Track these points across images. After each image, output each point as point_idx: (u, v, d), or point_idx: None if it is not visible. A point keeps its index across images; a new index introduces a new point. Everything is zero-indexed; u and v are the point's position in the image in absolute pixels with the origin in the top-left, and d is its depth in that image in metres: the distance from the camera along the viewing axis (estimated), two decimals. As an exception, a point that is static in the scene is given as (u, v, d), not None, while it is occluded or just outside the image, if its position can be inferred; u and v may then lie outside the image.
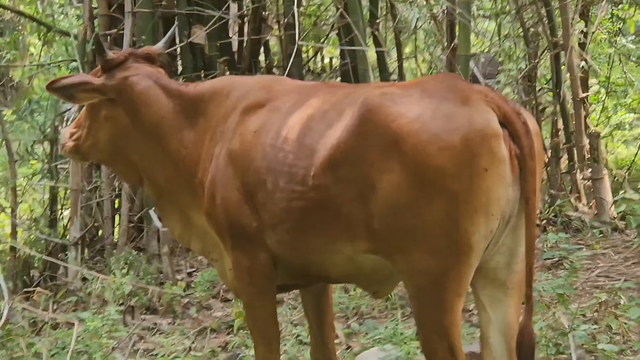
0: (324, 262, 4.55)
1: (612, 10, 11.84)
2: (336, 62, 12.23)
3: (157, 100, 5.07)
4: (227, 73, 9.50)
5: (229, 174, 4.73)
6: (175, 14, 9.66)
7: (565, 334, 6.29)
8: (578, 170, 10.38)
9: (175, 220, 5.23)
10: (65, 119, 9.64)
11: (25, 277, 9.01)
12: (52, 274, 9.01)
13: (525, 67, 10.91)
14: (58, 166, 9.79)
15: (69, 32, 10.33)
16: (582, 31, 10.81)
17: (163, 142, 5.07)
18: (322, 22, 11.71)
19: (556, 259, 8.64)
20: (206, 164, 4.89)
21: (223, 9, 9.36)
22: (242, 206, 4.66)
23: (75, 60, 9.57)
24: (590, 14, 11.18)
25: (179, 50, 9.93)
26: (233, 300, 7.90)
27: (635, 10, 11.90)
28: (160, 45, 5.48)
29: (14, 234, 9.45)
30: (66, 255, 8.83)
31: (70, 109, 9.51)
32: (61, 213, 10.11)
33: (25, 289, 8.70)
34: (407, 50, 12.37)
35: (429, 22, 11.78)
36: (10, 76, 14.04)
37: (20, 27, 13.62)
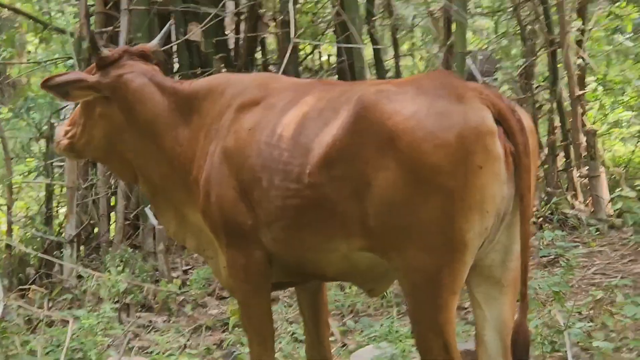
0: (320, 260, 4.54)
1: (610, 7, 11.83)
2: (334, 59, 12.21)
3: (152, 97, 5.06)
4: (224, 70, 9.49)
5: (223, 172, 4.71)
6: (171, 11, 9.65)
7: (561, 331, 6.29)
8: (575, 168, 10.39)
9: (170, 218, 5.22)
10: (61, 116, 9.64)
11: (20, 274, 9.00)
12: (48, 271, 9.01)
13: (522, 65, 10.91)
14: (54, 164, 9.79)
15: (64, 30, 10.33)
16: (579, 29, 10.80)
17: (158, 140, 5.05)
18: (319, 20, 11.69)
19: (552, 257, 8.64)
20: (201, 161, 4.88)
21: (219, 6, 9.36)
22: (237, 204, 4.65)
23: (71, 58, 9.57)
24: (587, 11, 11.16)
25: (175, 47, 9.91)
26: (229, 298, 7.89)
27: (633, 7, 11.89)
28: (154, 42, 5.47)
29: (9, 231, 9.43)
30: (62, 252, 8.81)
31: (66, 106, 9.50)
32: (57, 211, 10.10)
33: (20, 287, 8.69)
34: (405, 47, 12.35)
35: (426, 20, 11.78)
36: (7, 74, 14.02)
37: (17, 25, 13.60)
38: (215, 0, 9.58)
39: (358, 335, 7.16)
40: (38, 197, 10.72)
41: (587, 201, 10.26)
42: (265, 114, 4.68)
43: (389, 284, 4.81)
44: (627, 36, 12.67)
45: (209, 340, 7.38)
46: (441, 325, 4.13)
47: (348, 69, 9.69)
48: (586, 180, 10.36)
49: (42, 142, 10.01)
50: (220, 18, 9.52)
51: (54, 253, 8.99)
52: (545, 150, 10.65)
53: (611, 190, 10.35)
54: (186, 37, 9.35)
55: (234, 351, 6.86)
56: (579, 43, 10.82)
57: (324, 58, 13.16)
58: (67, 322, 6.93)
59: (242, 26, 10.76)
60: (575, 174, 10.38)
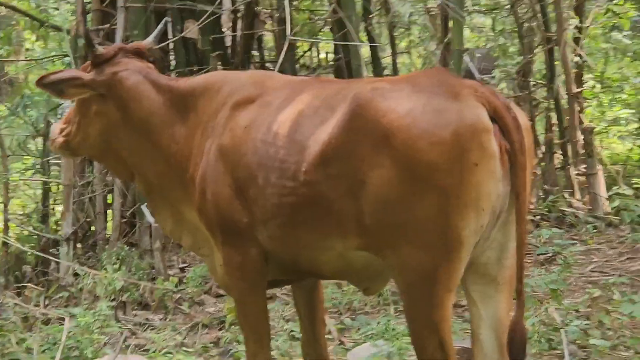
0: (315, 258, 4.53)
1: (608, 5, 11.82)
2: (332, 57, 12.21)
3: (147, 95, 5.04)
4: (220, 68, 9.48)
5: (219, 170, 4.70)
6: (168, 8, 9.64)
7: (558, 329, 6.29)
8: (572, 166, 10.38)
9: (167, 216, 5.21)
10: (59, 114, 9.63)
11: (17, 272, 8.99)
12: (44, 269, 8.99)
13: (520, 63, 10.91)
14: (50, 161, 9.78)
15: (61, 27, 10.31)
16: (576, 26, 10.79)
17: (153, 138, 5.04)
18: (317, 17, 11.68)
19: (550, 255, 8.65)
20: (197, 159, 4.87)
21: (216, 3, 9.34)
22: (233, 202, 4.64)
23: (67, 55, 9.56)
24: (584, 9, 11.16)
25: (171, 45, 9.90)
26: (225, 296, 7.88)
27: (631, 5, 11.88)
28: (149, 40, 5.45)
29: (6, 229, 9.42)
30: (58, 250, 8.80)
31: (62, 104, 9.49)
32: (53, 208, 10.10)
33: (17, 285, 8.68)
34: (403, 44, 12.34)
35: (423, 17, 11.76)
36: (5, 72, 14.02)
37: (14, 23, 13.58)
38: (212, -3, 9.56)
39: (355, 333, 7.16)
40: (35, 194, 10.70)
41: (585, 199, 10.26)
42: (261, 112, 4.67)
43: (385, 283, 4.79)
44: (625, 34, 12.65)
45: (205, 338, 7.37)
46: (437, 323, 4.13)
47: (345, 66, 9.68)
48: (584, 178, 10.36)
49: (39, 139, 9.99)
50: (217, 15, 9.51)
51: (51, 251, 8.97)
52: (543, 148, 10.65)
53: (609, 187, 10.36)
54: (183, 34, 9.34)
55: (231, 349, 6.86)
56: (577, 41, 10.81)
57: (322, 56, 13.17)
58: (64, 320, 6.93)
59: (239, 24, 10.73)
60: (573, 171, 10.38)
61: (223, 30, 10.63)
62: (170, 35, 9.62)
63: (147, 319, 7.90)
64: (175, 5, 9.61)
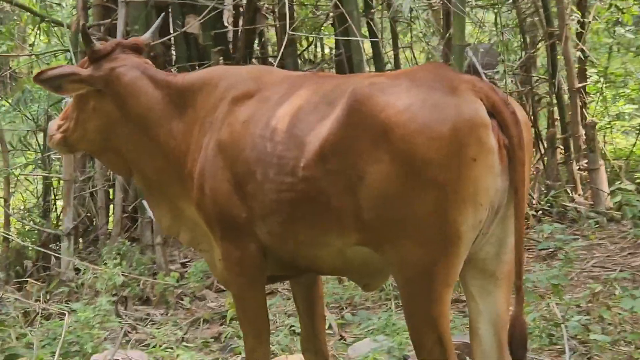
0: (314, 254, 4.53)
1: (611, 0, 11.78)
2: (334, 52, 12.19)
3: (145, 91, 5.04)
4: (222, 63, 9.47)
5: (218, 165, 4.70)
6: (169, 3, 9.63)
7: (559, 324, 6.28)
8: (574, 161, 10.36)
9: (165, 212, 5.20)
10: (63, 106, 9.63)
11: (18, 267, 8.99)
12: (45, 264, 9.00)
13: (522, 58, 10.89)
14: (51, 156, 9.78)
15: (62, 22, 10.31)
16: (579, 21, 10.77)
17: (151, 133, 5.03)
18: (320, 12, 11.65)
19: (551, 250, 8.64)
20: (195, 154, 4.86)
21: (217, -2, 9.34)
22: (232, 197, 4.63)
23: (68, 50, 9.55)
24: (587, 4, 11.13)
25: (172, 40, 9.89)
26: (226, 291, 7.87)
27: (634, 0, 11.85)
28: (147, 35, 5.44)
29: (7, 224, 9.43)
30: (57, 245, 8.80)
31: (64, 99, 9.48)
32: (55, 203, 10.10)
33: (17, 279, 8.69)
34: (406, 40, 12.31)
35: (426, 12, 11.75)
36: (9, 67, 14.03)
37: (16, 18, 13.59)
38: (213, -8, 9.55)
39: (356, 328, 7.16)
40: (36, 189, 10.70)
41: (587, 194, 10.24)
42: (260, 107, 4.67)
43: (384, 279, 4.79)
44: (628, 28, 12.62)
45: (206, 333, 7.37)
46: (435, 319, 4.13)
47: (346, 61, 9.67)
48: (586, 173, 10.34)
49: (40, 134, 9.99)
50: (218, 10, 9.48)
51: (52, 246, 8.98)
52: (545, 143, 10.63)
53: (611, 183, 10.34)
54: (184, 29, 9.34)
55: (231, 344, 6.86)
56: (579, 36, 10.79)
57: (326, 51, 13.15)
58: (65, 315, 6.93)
59: (241, 19, 10.71)
60: (575, 166, 10.35)
61: (225, 25, 10.60)
62: (171, 30, 9.60)
63: (148, 314, 7.91)
64: (176, 0, 9.60)
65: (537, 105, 11.02)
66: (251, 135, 4.58)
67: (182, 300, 8.17)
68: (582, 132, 10.33)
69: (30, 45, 14.19)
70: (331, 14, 10.48)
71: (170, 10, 9.90)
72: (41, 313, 7.50)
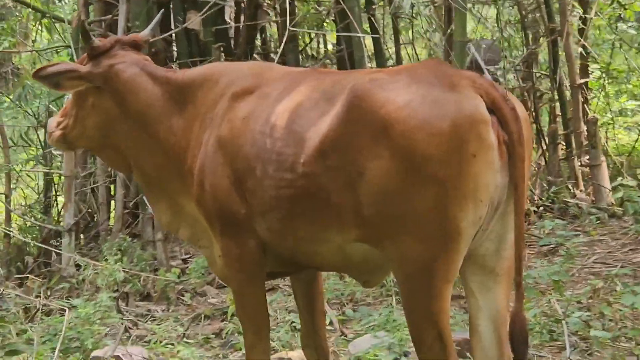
0: (314, 250, 4.53)
1: (613, -4, 11.78)
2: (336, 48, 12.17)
3: (144, 87, 5.03)
4: (223, 59, 9.46)
5: (217, 161, 4.70)
6: (170, -1, 9.63)
7: (560, 320, 6.28)
8: (576, 157, 10.35)
9: (164, 208, 5.19)
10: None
11: (19, 263, 9.00)
12: (46, 260, 9.00)
13: (524, 54, 10.87)
14: (53, 152, 9.78)
15: (63, 18, 10.31)
16: (581, 17, 10.75)
17: (151, 130, 5.02)
18: (322, 8, 11.63)
19: (553, 246, 8.63)
20: (195, 150, 4.86)
21: (219, -6, 9.33)
22: (231, 193, 4.63)
23: (70, 47, 9.55)
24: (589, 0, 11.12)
25: (174, 36, 9.89)
26: (228, 287, 7.87)
27: (636, -4, 11.84)
28: (146, 32, 5.43)
29: (8, 220, 9.43)
30: (57, 241, 8.80)
31: (65, 95, 9.48)
32: (56, 199, 10.10)
33: (18, 275, 8.69)
34: (409, 36, 12.28)
35: (428, 8, 11.73)
36: (12, 63, 14.04)
37: (18, 14, 13.59)
38: (214, -12, 9.53)
39: (357, 324, 7.16)
40: (37, 185, 10.71)
41: (588, 190, 10.23)
42: (260, 103, 4.67)
43: (384, 276, 4.80)
44: (630, 24, 12.60)
45: (207, 329, 7.38)
46: (435, 315, 4.13)
47: (347, 58, 9.66)
48: (587, 169, 10.33)
49: (41, 130, 9.99)
50: (219, 6, 9.48)
51: (51, 242, 8.98)
52: (547, 139, 10.61)
53: (613, 179, 10.33)
54: (185, 25, 9.32)
55: (232, 340, 6.86)
56: (581, 32, 10.77)
57: (328, 47, 13.11)
58: (65, 311, 6.93)
59: (242, 14, 10.70)
60: (577, 162, 10.34)
61: (226, 21, 10.59)
62: (172, 26, 9.59)
63: (149, 310, 7.91)
64: (178, -4, 9.61)
65: (539, 101, 10.99)
66: (251, 132, 4.58)
67: (183, 296, 8.17)
68: (584, 128, 10.32)
69: (32, 41, 14.20)
70: (332, 9, 10.45)
71: (171, 6, 9.90)
72: (42, 309, 7.51)
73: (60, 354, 6.36)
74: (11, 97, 11.24)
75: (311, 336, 5.18)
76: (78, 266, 8.43)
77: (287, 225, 4.50)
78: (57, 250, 8.69)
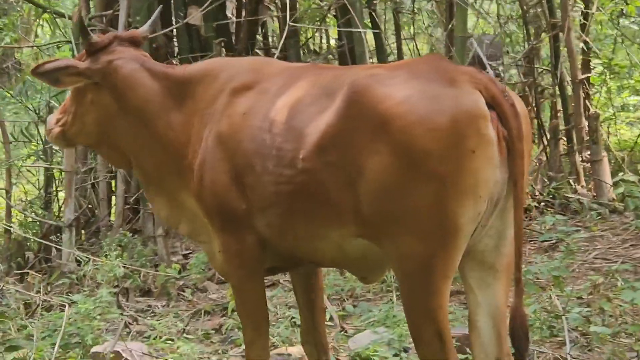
0: (313, 246, 4.52)
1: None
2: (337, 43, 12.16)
3: (143, 83, 5.02)
4: (224, 54, 9.45)
5: (217, 156, 4.69)
6: (171, -6, 9.62)
7: (560, 316, 6.27)
8: (577, 152, 10.34)
9: (163, 204, 5.18)
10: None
11: (19, 258, 9.00)
12: (47, 255, 9.00)
13: (525, 49, 10.87)
14: (53, 148, 9.78)
15: (63, 13, 10.30)
16: (582, 12, 10.73)
17: (150, 125, 5.01)
18: (324, 3, 11.62)
19: (553, 241, 8.63)
20: (195, 146, 4.85)
21: (220, -11, 9.32)
22: (231, 189, 4.63)
23: (71, 42, 9.55)
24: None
25: (174, 31, 9.87)
26: (228, 283, 7.87)
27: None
28: (145, 28, 5.42)
29: (8, 215, 9.43)
30: (57, 237, 8.80)
31: (65, 90, 9.48)
32: (56, 195, 10.10)
33: (18, 271, 8.69)
34: (411, 31, 12.27)
35: (430, 3, 11.72)
36: (14, 58, 14.05)
37: (19, 9, 13.59)
38: (215, -17, 9.52)
39: (356, 319, 7.15)
40: (37, 181, 10.71)
41: (589, 185, 10.23)
42: (259, 99, 4.66)
43: (383, 273, 4.79)
44: (633, 20, 12.57)
45: (207, 324, 7.37)
46: (434, 311, 4.12)
47: (349, 53, 9.64)
48: (588, 165, 10.32)
49: (42, 126, 9.99)
50: (220, 1, 9.46)
51: (51, 237, 8.98)
52: (548, 134, 10.61)
53: (614, 174, 10.32)
54: (186, 20, 9.31)
55: (232, 336, 6.85)
56: (583, 27, 10.76)
57: (330, 42, 13.10)
58: (65, 306, 6.93)
59: (243, 10, 10.68)
60: (578, 158, 10.33)
61: (227, 16, 10.58)
62: (173, 21, 9.58)
63: (149, 306, 7.91)
64: (179, -9, 9.59)
65: (540, 97, 10.99)
66: (250, 127, 4.57)
67: (183, 291, 8.17)
68: (585, 123, 10.31)
69: (35, 36, 14.20)
70: (333, 5, 10.43)
71: (172, 1, 9.89)
72: (42, 305, 7.50)
73: (60, 350, 6.36)
74: (11, 92, 11.23)
75: (311, 332, 5.18)
76: (78, 262, 8.43)
77: (287, 222, 4.50)
78: (58, 246, 8.69)
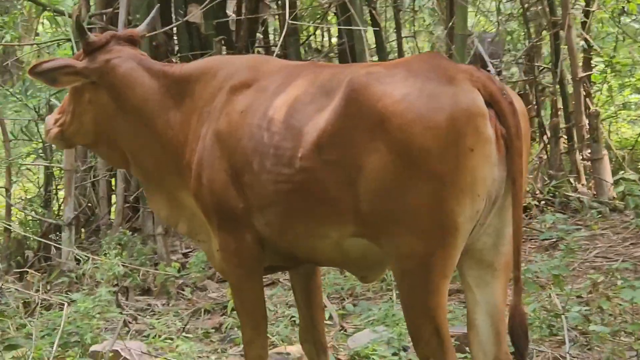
0: (312, 245, 4.51)
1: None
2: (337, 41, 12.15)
3: (141, 82, 5.01)
4: (224, 52, 9.45)
5: (215, 155, 4.69)
6: (171, -8, 9.60)
7: (559, 315, 6.26)
8: (577, 151, 10.33)
9: (162, 203, 5.17)
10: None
11: (19, 257, 8.99)
12: (46, 254, 8.99)
13: (525, 47, 10.86)
14: (53, 146, 9.77)
15: (64, 11, 10.29)
16: (583, 10, 10.73)
17: (149, 124, 5.01)
18: (324, 1, 11.61)
19: (554, 240, 8.62)
20: (194, 144, 4.85)
21: (220, -13, 9.30)
22: (229, 187, 4.62)
23: (70, 40, 9.54)
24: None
25: (175, 29, 9.87)
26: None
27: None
28: (143, 27, 5.41)
29: (8, 214, 9.43)
30: (57, 235, 8.80)
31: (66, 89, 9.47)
32: (56, 193, 10.09)
33: (18, 269, 8.69)
34: (414, 29, 12.27)
35: (431, 1, 11.72)
36: (15, 56, 14.03)
37: (20, 7, 13.57)
38: (215, -19, 9.51)
39: (356, 318, 7.15)
40: (37, 179, 10.71)
41: (590, 184, 10.21)
42: (257, 97, 4.65)
43: (382, 272, 4.79)
44: (634, 18, 12.56)
45: (207, 323, 7.37)
46: (432, 310, 4.12)
47: (349, 51, 9.64)
48: (589, 163, 10.31)
49: (42, 124, 9.97)
50: (220, -1, 9.46)
51: (50, 236, 8.97)
52: (548, 133, 10.59)
53: (615, 172, 10.31)
54: (186, 18, 9.31)
55: (232, 335, 6.85)
56: (584, 25, 10.75)
57: (331, 39, 13.09)
58: (64, 305, 6.92)
59: (243, 7, 10.67)
60: (578, 156, 10.32)
61: (227, 14, 10.57)
62: (173, 19, 9.57)
63: (149, 305, 7.91)
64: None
65: (541, 95, 10.97)
66: (249, 125, 4.57)
67: (183, 290, 8.16)
68: (586, 121, 10.29)
69: (37, 34, 14.20)
70: (334, 2, 10.42)
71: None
72: (41, 303, 7.49)
73: (59, 349, 6.35)
74: (11, 90, 11.21)
75: (310, 331, 5.17)
76: (78, 260, 8.42)
77: (285, 220, 4.49)
78: (57, 245, 8.69)
